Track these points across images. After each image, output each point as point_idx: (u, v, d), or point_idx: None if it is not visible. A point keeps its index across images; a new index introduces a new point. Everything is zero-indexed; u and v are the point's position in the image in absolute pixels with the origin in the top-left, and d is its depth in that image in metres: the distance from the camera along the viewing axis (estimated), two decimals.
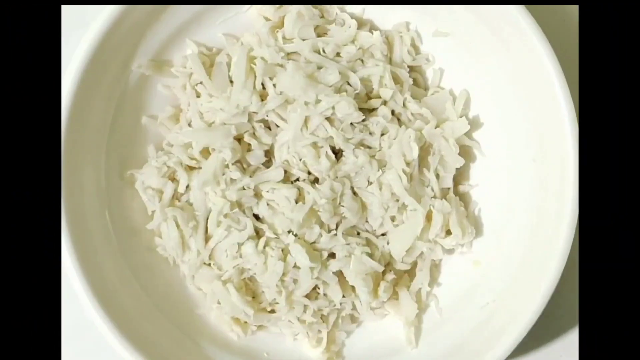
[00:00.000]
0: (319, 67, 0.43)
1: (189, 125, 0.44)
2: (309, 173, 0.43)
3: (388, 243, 0.44)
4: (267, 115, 0.43)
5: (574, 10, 0.47)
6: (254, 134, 0.43)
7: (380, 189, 0.43)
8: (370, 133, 0.43)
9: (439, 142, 0.43)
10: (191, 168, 0.43)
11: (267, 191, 0.43)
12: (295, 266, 0.42)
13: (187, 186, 0.43)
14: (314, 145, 0.42)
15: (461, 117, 0.44)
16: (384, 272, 0.44)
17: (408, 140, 0.42)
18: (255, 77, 0.42)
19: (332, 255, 0.43)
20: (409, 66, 0.44)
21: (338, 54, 0.44)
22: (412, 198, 0.42)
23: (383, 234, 0.44)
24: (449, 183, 0.44)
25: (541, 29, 0.40)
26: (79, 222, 0.40)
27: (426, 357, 0.44)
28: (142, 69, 0.43)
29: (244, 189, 0.42)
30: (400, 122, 0.44)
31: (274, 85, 0.42)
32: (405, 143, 0.42)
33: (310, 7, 0.43)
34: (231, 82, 0.43)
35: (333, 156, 0.43)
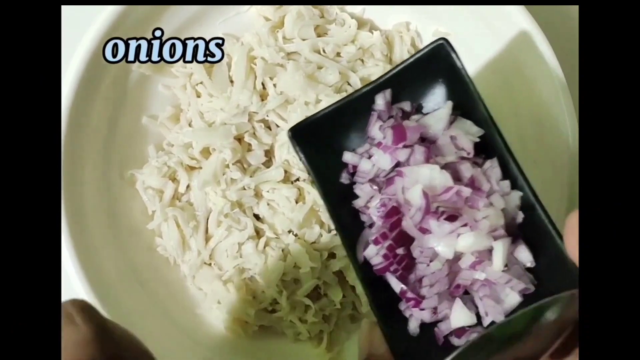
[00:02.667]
0: (319, 67, 0.43)
1: (190, 125, 0.44)
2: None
3: None
4: (267, 115, 0.43)
5: (574, 10, 0.47)
6: (254, 133, 0.43)
7: None
8: None
9: None
10: (191, 168, 0.43)
11: (268, 191, 0.43)
12: (295, 266, 0.42)
13: (188, 186, 0.43)
14: None
15: None
16: None
17: None
18: (255, 77, 0.43)
19: (332, 255, 0.43)
20: None
21: (338, 54, 0.44)
22: None
23: None
24: None
25: (541, 29, 0.40)
26: (79, 222, 0.40)
27: None
28: (142, 69, 0.43)
29: (244, 188, 0.42)
30: None
31: (274, 85, 0.42)
32: None
33: (310, 7, 0.43)
34: (231, 82, 0.43)
35: None
